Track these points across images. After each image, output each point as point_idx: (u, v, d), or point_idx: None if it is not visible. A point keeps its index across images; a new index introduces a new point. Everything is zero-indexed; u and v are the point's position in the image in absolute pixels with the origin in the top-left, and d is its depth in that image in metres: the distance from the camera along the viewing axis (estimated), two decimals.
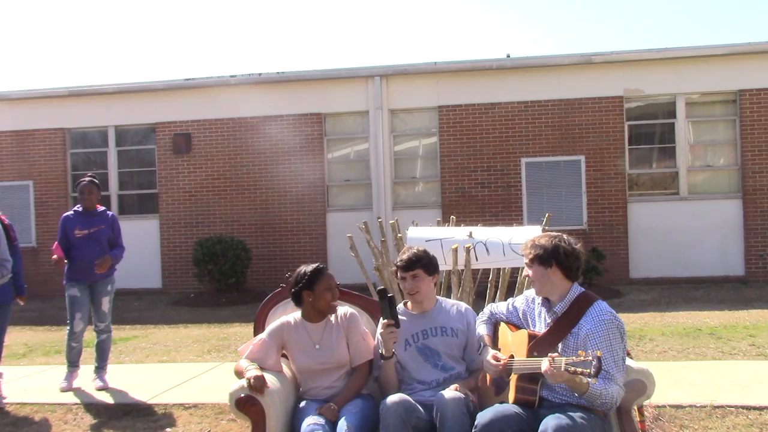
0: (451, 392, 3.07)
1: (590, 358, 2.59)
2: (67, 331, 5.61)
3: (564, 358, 2.72)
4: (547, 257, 3.01)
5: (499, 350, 3.20)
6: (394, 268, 3.52)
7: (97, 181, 5.79)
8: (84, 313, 5.58)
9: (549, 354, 2.81)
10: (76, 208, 5.77)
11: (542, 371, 2.76)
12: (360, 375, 3.43)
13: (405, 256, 3.44)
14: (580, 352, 2.68)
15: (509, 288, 4.51)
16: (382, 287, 3.34)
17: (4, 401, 5.21)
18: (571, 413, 2.76)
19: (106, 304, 5.65)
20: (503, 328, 3.30)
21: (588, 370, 2.58)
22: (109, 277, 5.68)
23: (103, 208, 5.78)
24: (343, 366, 3.44)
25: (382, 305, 3.24)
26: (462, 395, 3.06)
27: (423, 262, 3.41)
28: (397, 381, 3.36)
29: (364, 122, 12.14)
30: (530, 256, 3.07)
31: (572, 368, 2.62)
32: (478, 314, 3.48)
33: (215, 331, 8.71)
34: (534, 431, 2.77)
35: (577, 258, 3.05)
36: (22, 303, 5.43)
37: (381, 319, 3.29)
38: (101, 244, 5.61)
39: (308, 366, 3.42)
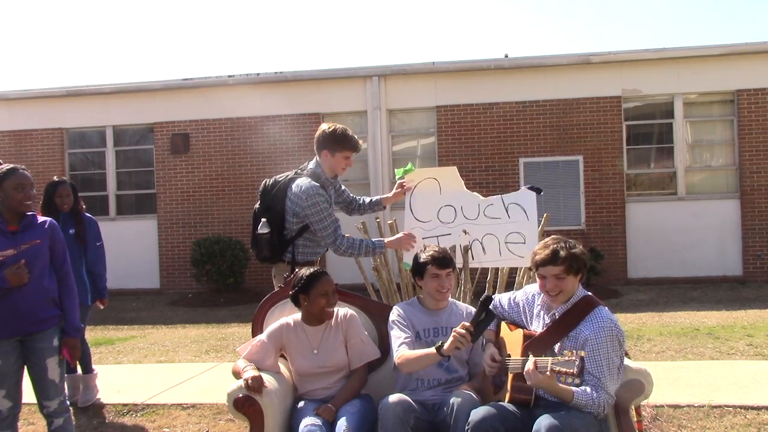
0: (464, 393, 3.06)
1: (574, 357, 2.58)
2: None
3: (549, 358, 2.71)
4: (582, 266, 2.98)
5: (501, 348, 3.19)
6: (426, 261, 3.37)
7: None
8: (9, 387, 3.46)
9: (533, 356, 2.80)
10: None
11: (523, 372, 2.75)
12: (358, 377, 3.43)
13: (438, 254, 3.36)
14: (566, 352, 2.67)
15: (507, 288, 4.50)
16: (489, 296, 3.14)
17: (98, 398, 5.21)
18: (565, 413, 2.76)
19: (54, 369, 3.53)
20: (502, 326, 3.30)
21: (572, 370, 2.57)
22: (54, 325, 3.54)
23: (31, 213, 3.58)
24: (341, 369, 3.43)
25: (478, 310, 3.07)
26: (475, 397, 3.06)
27: (454, 263, 3.43)
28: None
29: (363, 122, 12.14)
30: (565, 268, 2.92)
31: (557, 368, 2.61)
32: None
33: (213, 331, 8.70)
34: (528, 430, 2.77)
35: None
36: (102, 306, 5.24)
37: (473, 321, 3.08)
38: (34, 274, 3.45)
39: (306, 369, 3.42)
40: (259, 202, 4.17)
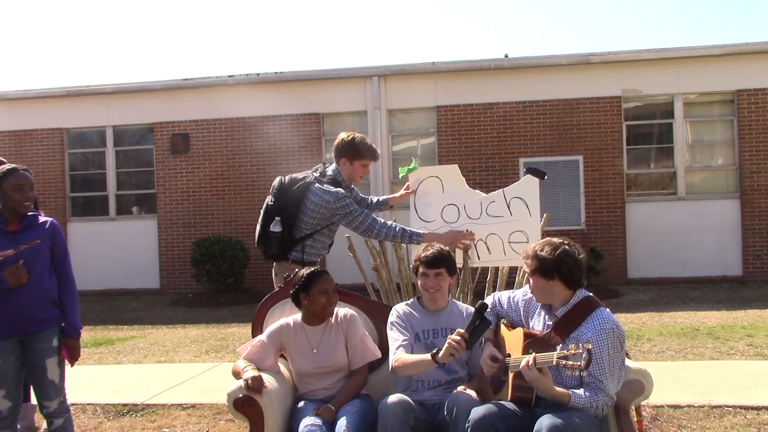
0: (464, 393, 3.06)
1: (581, 350, 2.58)
2: None
3: (555, 353, 2.70)
4: (549, 270, 2.94)
5: (501, 347, 3.19)
6: (416, 263, 3.43)
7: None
8: (9, 388, 3.45)
9: (534, 353, 2.79)
10: None
11: (519, 368, 2.75)
12: (359, 377, 3.42)
13: (430, 253, 3.38)
14: (571, 346, 2.66)
15: (507, 287, 4.50)
16: (484, 303, 3.09)
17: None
18: (566, 412, 2.75)
19: (54, 369, 3.50)
20: (500, 326, 3.29)
21: (578, 363, 2.57)
22: (54, 326, 3.53)
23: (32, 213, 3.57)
24: (341, 369, 3.43)
25: (473, 317, 3.03)
26: (475, 396, 3.06)
27: (448, 263, 3.40)
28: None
29: (363, 122, 12.14)
30: (531, 267, 2.98)
31: (563, 362, 2.61)
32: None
33: (213, 331, 8.70)
34: (529, 429, 2.76)
35: (580, 269, 2.98)
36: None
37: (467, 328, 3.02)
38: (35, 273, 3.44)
39: (306, 369, 3.42)
40: (273, 199, 4.14)
